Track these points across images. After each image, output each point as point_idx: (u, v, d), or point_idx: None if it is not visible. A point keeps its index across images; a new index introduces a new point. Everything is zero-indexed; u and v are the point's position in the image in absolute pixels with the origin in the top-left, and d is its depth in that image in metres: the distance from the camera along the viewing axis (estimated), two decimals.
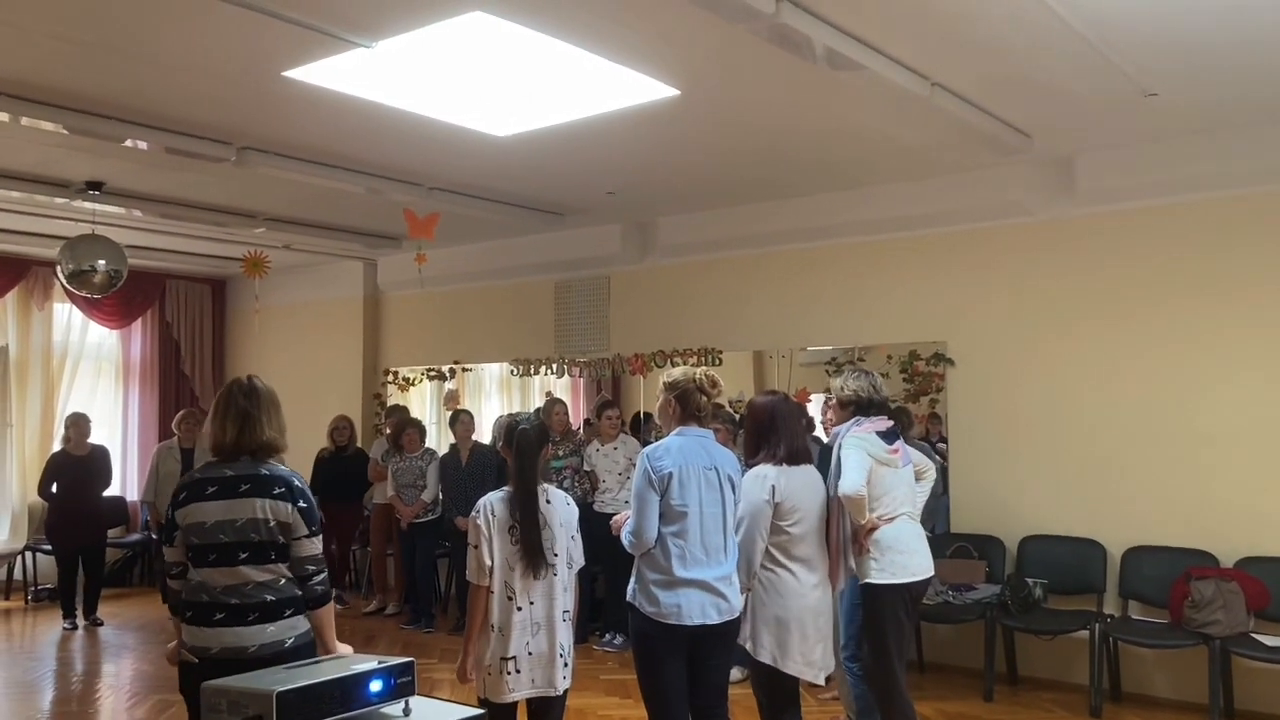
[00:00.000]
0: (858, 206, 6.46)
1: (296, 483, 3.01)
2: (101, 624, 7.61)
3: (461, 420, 7.50)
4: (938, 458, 5.76)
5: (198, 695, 2.81)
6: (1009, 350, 6.04)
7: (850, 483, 3.85)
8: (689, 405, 3.59)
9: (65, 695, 5.95)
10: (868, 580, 4.01)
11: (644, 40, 3.93)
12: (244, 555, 2.89)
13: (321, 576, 3.01)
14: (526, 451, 3.41)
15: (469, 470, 7.21)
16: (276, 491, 2.94)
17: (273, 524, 2.92)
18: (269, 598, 2.90)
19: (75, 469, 7.64)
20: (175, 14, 3.72)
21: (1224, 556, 5.26)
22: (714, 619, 3.44)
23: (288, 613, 2.93)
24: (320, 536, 3.04)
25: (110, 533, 8.39)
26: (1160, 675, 5.46)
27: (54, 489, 7.60)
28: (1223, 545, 5.28)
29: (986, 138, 5.11)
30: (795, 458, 3.85)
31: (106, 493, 8.01)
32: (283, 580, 2.94)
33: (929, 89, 4.37)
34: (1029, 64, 4.22)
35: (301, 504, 2.97)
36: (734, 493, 3.60)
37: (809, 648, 3.75)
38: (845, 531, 3.96)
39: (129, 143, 5.26)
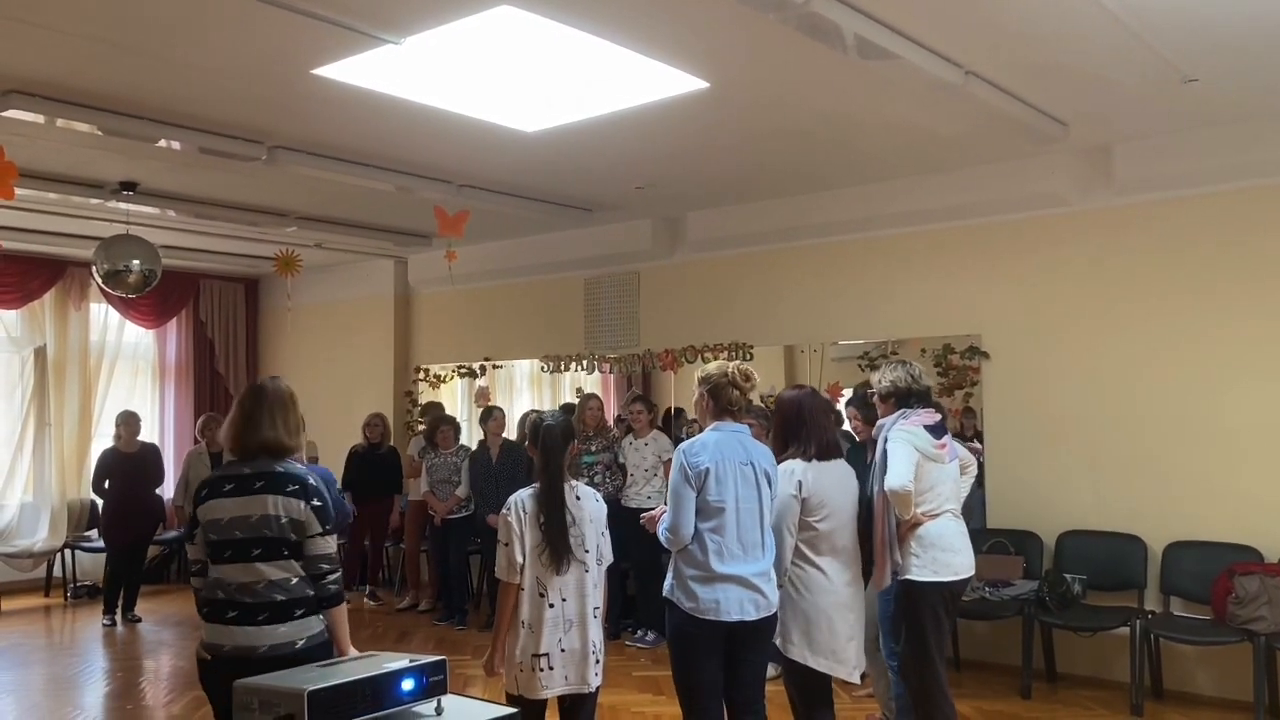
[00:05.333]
0: (890, 198, 6.39)
1: (311, 481, 3.03)
2: (139, 620, 7.71)
3: (494, 417, 7.51)
4: (974, 450, 5.69)
5: (215, 690, 2.88)
6: (1045, 343, 5.95)
7: (897, 477, 3.78)
8: (721, 400, 3.58)
9: (105, 691, 6.02)
10: (908, 576, 3.94)
11: (673, 32, 3.89)
12: (257, 552, 2.91)
13: (334, 576, 3.01)
14: (552, 448, 3.40)
15: (499, 467, 7.21)
16: (290, 489, 2.96)
17: (285, 521, 2.93)
18: (279, 597, 2.90)
19: (126, 466, 7.75)
20: (206, 14, 3.73)
21: (1268, 551, 5.15)
22: (752, 615, 3.43)
23: (298, 613, 2.93)
24: (335, 535, 3.05)
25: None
26: (1203, 672, 5.36)
27: (106, 486, 7.72)
28: (1267, 540, 5.17)
29: (1022, 127, 5.03)
30: (825, 453, 3.82)
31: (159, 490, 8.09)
32: (295, 579, 2.94)
33: (963, 77, 4.30)
34: (1065, 50, 4.14)
35: (315, 502, 2.98)
36: (770, 488, 3.57)
37: (838, 645, 3.72)
38: (891, 527, 3.90)
39: (162, 143, 5.31)
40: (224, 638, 2.90)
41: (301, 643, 2.91)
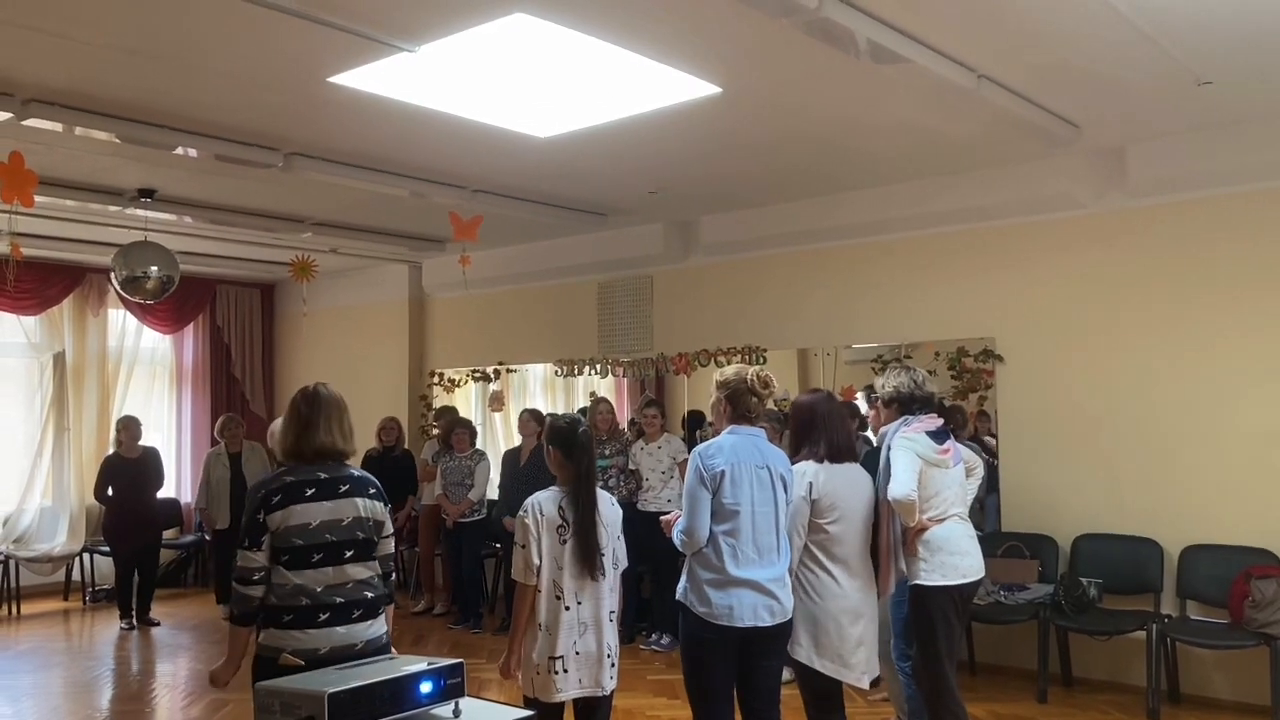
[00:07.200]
0: (903, 202, 6.39)
1: (378, 484, 3.19)
2: (157, 624, 7.76)
3: (522, 418, 7.52)
4: (986, 455, 5.67)
5: None
6: (1060, 345, 5.93)
7: (900, 486, 3.79)
8: (739, 406, 3.58)
9: (122, 694, 6.07)
10: (916, 581, 3.96)
11: (685, 38, 3.91)
12: (349, 554, 3.00)
13: (394, 575, 3.21)
14: (588, 451, 3.42)
15: (526, 471, 7.21)
16: (372, 491, 3.11)
17: (371, 523, 3.06)
18: (368, 594, 3.03)
19: (128, 471, 7.81)
20: (223, 23, 3.77)
21: None
22: (766, 621, 3.43)
23: (381, 610, 3.08)
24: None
25: (165, 534, 8.55)
26: (1220, 677, 5.34)
27: (109, 491, 7.78)
28: None
29: (1035, 129, 5.03)
30: (838, 455, 3.82)
31: (159, 494, 8.16)
32: (375, 577, 3.07)
33: (975, 81, 4.31)
34: (1078, 53, 4.14)
35: (388, 504, 3.16)
36: (786, 492, 3.58)
37: (846, 649, 3.72)
38: (895, 534, 3.91)
39: (179, 150, 5.35)
40: (319, 641, 2.91)
41: (385, 637, 3.06)
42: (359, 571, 3.01)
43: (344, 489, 3.03)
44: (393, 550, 3.17)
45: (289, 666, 2.88)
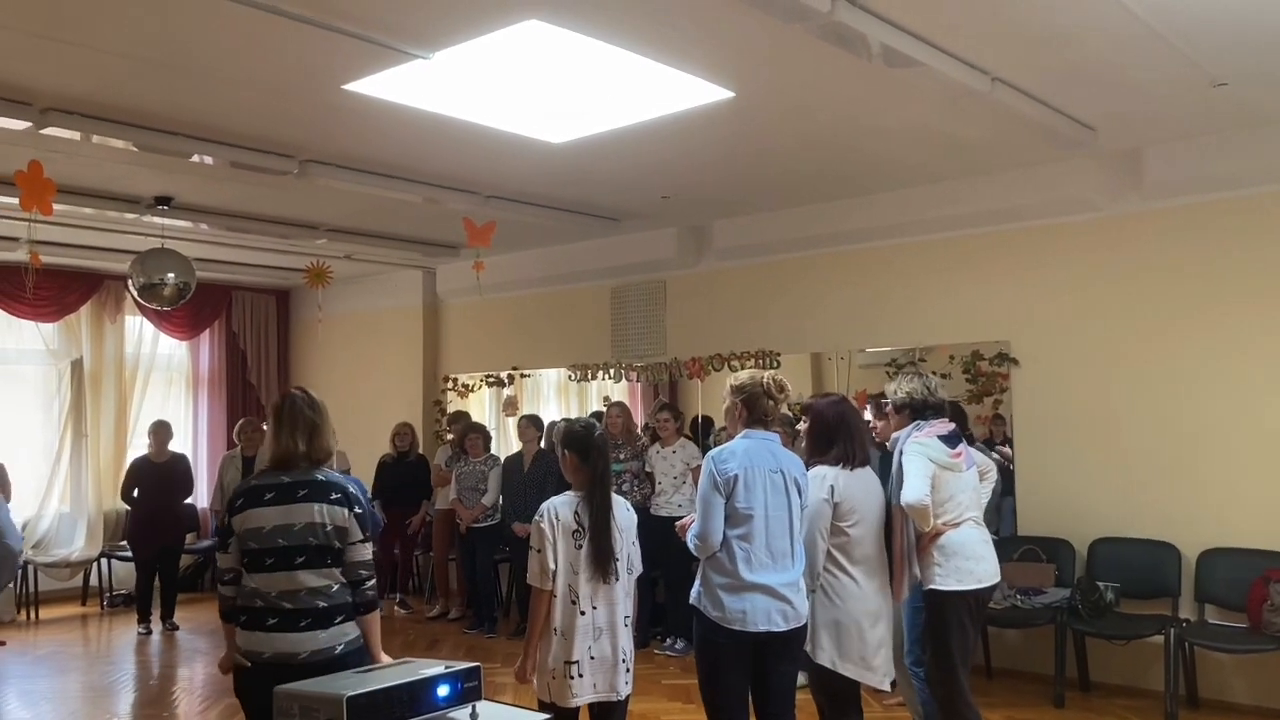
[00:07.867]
0: (917, 205, 6.38)
1: (352, 489, 3.10)
2: (178, 628, 7.80)
3: (521, 424, 7.55)
4: (995, 457, 5.64)
5: (252, 698, 2.91)
6: (1075, 349, 5.91)
7: (913, 491, 3.78)
8: (755, 410, 3.59)
9: (141, 699, 6.10)
10: (932, 586, 3.94)
11: (698, 43, 3.92)
12: (300, 560, 2.96)
13: (372, 582, 3.10)
14: (604, 455, 3.42)
15: (530, 476, 7.23)
16: (333, 497, 3.03)
17: (329, 529, 2.99)
18: (321, 604, 2.96)
19: (155, 475, 7.90)
20: (239, 31, 3.80)
21: None
22: (780, 626, 3.42)
23: (338, 619, 2.99)
24: (371, 543, 3.12)
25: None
26: (1239, 681, 5.30)
27: (135, 494, 7.84)
28: None
29: (1049, 132, 5.01)
30: (861, 461, 3.83)
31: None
32: (336, 586, 3.00)
33: (989, 84, 4.30)
34: (1092, 55, 4.13)
35: (357, 509, 3.06)
36: (800, 497, 3.57)
37: (868, 651, 3.71)
38: (909, 539, 3.90)
39: (195, 158, 5.39)
40: (263, 645, 2.93)
41: (340, 648, 2.97)
42: (311, 579, 2.96)
43: (301, 494, 3.00)
44: (366, 558, 3.07)
45: (239, 666, 2.96)
